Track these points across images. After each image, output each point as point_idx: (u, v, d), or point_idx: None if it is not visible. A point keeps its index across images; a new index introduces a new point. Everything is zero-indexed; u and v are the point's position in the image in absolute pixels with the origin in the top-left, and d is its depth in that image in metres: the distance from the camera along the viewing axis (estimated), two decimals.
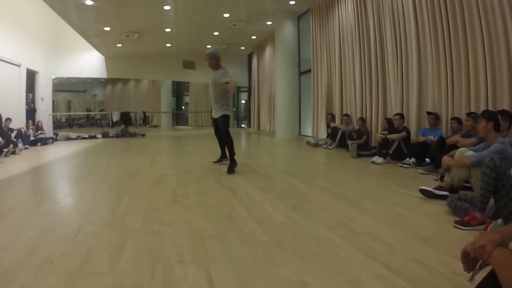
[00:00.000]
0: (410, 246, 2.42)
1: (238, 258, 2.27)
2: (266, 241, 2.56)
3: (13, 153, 8.36)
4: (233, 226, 2.91)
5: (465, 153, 3.59)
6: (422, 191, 3.82)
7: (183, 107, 24.22)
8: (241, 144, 11.38)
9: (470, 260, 1.38)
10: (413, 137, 6.50)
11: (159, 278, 2.02)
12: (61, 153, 9.18)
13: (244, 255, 2.31)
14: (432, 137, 6.06)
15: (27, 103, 11.67)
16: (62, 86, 19.27)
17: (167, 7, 10.70)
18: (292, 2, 11.24)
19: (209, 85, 5.81)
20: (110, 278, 2.02)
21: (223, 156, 6.23)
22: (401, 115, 6.83)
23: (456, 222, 2.86)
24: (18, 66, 10.87)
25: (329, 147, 8.98)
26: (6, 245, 2.57)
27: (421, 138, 6.17)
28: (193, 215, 3.26)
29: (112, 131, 15.31)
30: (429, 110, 6.45)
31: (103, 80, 21.49)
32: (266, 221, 3.03)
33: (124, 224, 3.02)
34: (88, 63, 15.92)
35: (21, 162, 7.50)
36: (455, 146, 4.75)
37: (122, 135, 14.81)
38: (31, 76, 12.13)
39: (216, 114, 5.79)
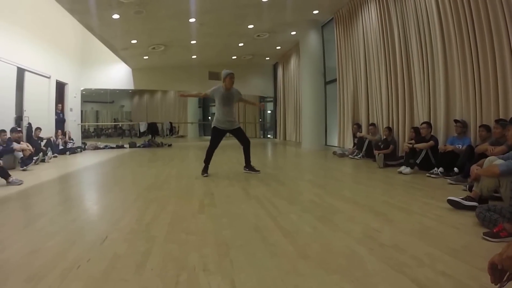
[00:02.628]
0: (438, 259, 2.35)
1: (264, 269, 2.25)
2: (292, 253, 2.53)
3: (43, 161, 8.63)
4: (259, 237, 2.89)
5: (494, 162, 3.48)
6: (450, 202, 3.71)
7: (209, 117, 24.43)
8: (267, 154, 11.39)
9: (498, 272, 1.33)
10: (441, 146, 6.36)
11: (184, 286, 2.02)
12: (89, 162, 9.37)
13: (270, 266, 2.28)
14: (460, 146, 5.93)
15: (57, 113, 12.01)
16: (90, 97, 19.73)
17: (192, 20, 10.84)
18: (315, 12, 11.21)
19: (221, 103, 6.29)
20: (135, 285, 2.04)
21: (207, 168, 6.43)
22: (428, 124, 6.70)
23: (484, 233, 2.77)
24: (48, 78, 11.22)
25: (356, 157, 8.89)
26: (35, 248, 2.63)
27: (449, 147, 6.04)
28: (219, 225, 3.25)
29: (139, 141, 15.53)
30: (456, 118, 6.31)
31: (130, 91, 21.90)
32: (292, 232, 2.99)
33: (150, 232, 3.04)
34: (116, 75, 16.25)
35: (50, 170, 7.71)
36: (484, 155, 4.64)
37: (149, 145, 15.01)
38: (60, 87, 12.50)
39: (231, 126, 6.37)
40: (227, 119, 6.31)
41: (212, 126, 6.38)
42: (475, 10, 5.79)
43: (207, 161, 6.39)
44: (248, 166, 6.56)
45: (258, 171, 6.51)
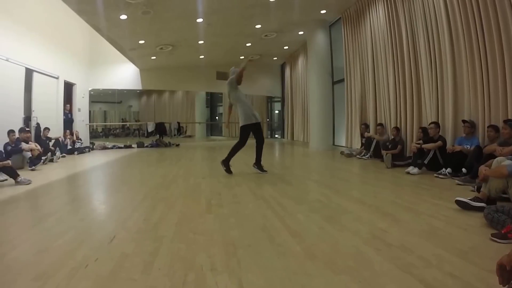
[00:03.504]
0: (446, 260, 2.34)
1: (271, 269, 2.25)
2: (300, 253, 2.52)
3: (51, 161, 8.69)
4: (266, 237, 2.89)
5: (502, 163, 3.47)
6: (458, 203, 3.68)
7: (216, 117, 24.46)
8: (274, 154, 11.39)
9: (506, 273, 1.33)
10: (449, 146, 6.30)
11: (191, 285, 2.03)
12: (97, 162, 9.43)
13: (277, 266, 2.28)
14: (469, 146, 5.88)
15: (65, 114, 12.09)
16: (98, 97, 19.84)
17: (199, 20, 10.85)
18: (323, 11, 11.17)
19: (243, 96, 6.47)
20: (142, 284, 2.05)
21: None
22: (436, 124, 6.65)
23: (492, 235, 2.75)
24: (56, 78, 11.29)
25: (363, 157, 8.86)
26: (43, 248, 2.66)
27: (457, 148, 6.00)
28: (226, 225, 3.25)
29: (147, 141, 15.60)
30: (465, 118, 6.26)
31: (138, 91, 21.99)
32: (300, 232, 2.99)
33: (158, 232, 3.05)
34: (124, 75, 16.29)
35: (59, 170, 7.77)
36: (492, 155, 4.61)
37: (156, 145, 15.07)
38: (68, 87, 12.58)
39: (258, 119, 6.41)
40: (253, 110, 6.45)
41: (244, 124, 6.33)
42: (483, 9, 5.74)
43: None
44: (258, 164, 6.54)
45: (266, 171, 6.49)
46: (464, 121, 6.14)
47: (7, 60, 8.40)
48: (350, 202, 4.22)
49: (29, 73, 9.55)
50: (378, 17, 9.15)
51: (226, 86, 6.56)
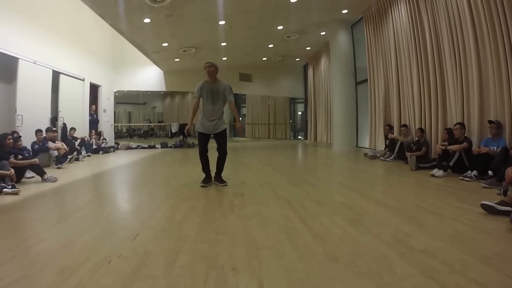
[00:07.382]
0: (470, 266, 2.29)
1: (292, 270, 2.25)
2: (321, 255, 2.51)
3: (77, 160, 8.95)
4: (288, 238, 2.88)
5: None
6: (484, 206, 3.60)
7: (240, 118, 24.47)
8: (297, 156, 11.39)
9: None
10: (474, 148, 6.16)
11: (212, 284, 2.05)
12: (121, 161, 9.59)
13: (298, 268, 2.28)
14: (495, 148, 5.73)
15: (90, 114, 12.38)
16: (123, 98, 20.10)
17: (221, 22, 10.92)
18: (344, 11, 11.11)
19: (206, 98, 5.57)
20: (164, 281, 2.08)
21: (210, 177, 5.79)
22: (461, 125, 6.52)
23: None
24: (82, 80, 11.60)
25: (387, 159, 8.74)
26: (68, 243, 2.74)
27: (483, 149, 5.85)
28: (248, 226, 3.27)
29: (171, 142, 15.78)
30: (491, 118, 6.10)
31: (162, 93, 22.19)
32: (322, 235, 2.98)
33: (181, 231, 3.09)
34: (148, 77, 16.58)
35: (84, 168, 7.95)
36: None
37: (180, 145, 15.19)
38: (94, 89, 12.90)
39: (214, 130, 5.59)
40: (209, 120, 5.56)
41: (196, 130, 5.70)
42: (508, 8, 5.61)
43: (208, 170, 5.78)
44: (218, 177, 5.79)
45: (225, 183, 5.64)
46: (490, 122, 5.99)
47: (34, 62, 8.65)
48: (373, 205, 4.18)
49: (56, 75, 9.83)
50: (400, 16, 9.04)
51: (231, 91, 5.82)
